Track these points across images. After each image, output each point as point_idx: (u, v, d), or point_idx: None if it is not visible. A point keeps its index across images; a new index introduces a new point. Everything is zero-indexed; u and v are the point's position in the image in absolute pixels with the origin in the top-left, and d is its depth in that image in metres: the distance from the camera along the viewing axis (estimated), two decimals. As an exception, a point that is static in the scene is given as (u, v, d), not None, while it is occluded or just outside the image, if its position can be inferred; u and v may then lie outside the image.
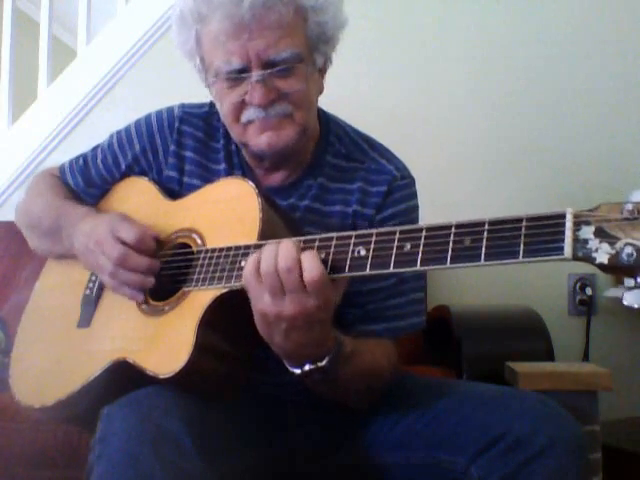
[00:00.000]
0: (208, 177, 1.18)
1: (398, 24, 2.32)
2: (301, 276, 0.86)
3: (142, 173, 1.24)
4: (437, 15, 2.32)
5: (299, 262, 0.87)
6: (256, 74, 1.06)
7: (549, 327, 1.69)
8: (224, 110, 1.13)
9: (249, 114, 1.09)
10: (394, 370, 1.11)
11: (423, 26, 2.32)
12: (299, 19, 1.08)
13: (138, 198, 1.22)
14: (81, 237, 1.14)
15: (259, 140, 1.10)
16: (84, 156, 1.31)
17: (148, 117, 1.25)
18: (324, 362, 0.94)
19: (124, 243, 1.07)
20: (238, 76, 1.07)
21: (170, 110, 1.24)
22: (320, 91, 1.18)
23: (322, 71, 1.17)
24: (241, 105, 1.09)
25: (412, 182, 1.20)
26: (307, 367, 0.94)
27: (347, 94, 2.10)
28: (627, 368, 2.12)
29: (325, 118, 1.22)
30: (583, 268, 2.13)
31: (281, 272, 0.87)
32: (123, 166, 1.25)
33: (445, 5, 2.32)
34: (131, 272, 1.07)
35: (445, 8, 2.32)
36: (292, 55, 1.07)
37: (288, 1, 1.05)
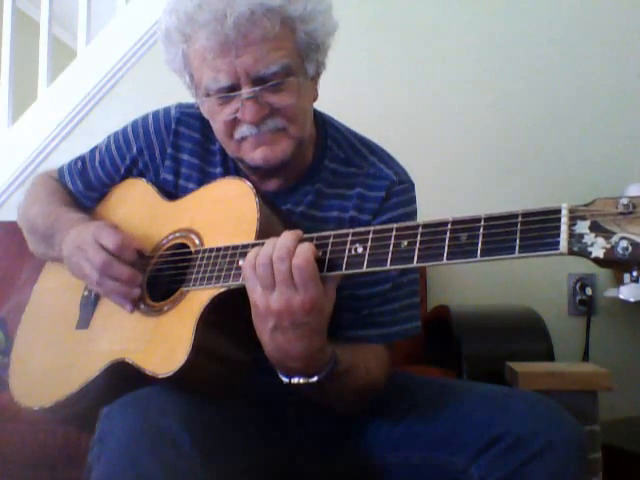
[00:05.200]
0: (204, 180, 1.17)
1: (398, 24, 2.32)
2: (291, 268, 0.87)
3: (140, 175, 1.24)
4: (437, 15, 2.32)
5: (293, 253, 0.87)
6: (246, 91, 1.04)
7: (549, 327, 1.69)
8: (216, 127, 1.12)
9: (242, 131, 1.08)
10: (387, 379, 1.10)
11: (423, 26, 2.33)
12: (286, 30, 1.05)
13: (136, 199, 1.22)
14: (67, 244, 1.13)
15: (254, 155, 1.09)
16: (82, 158, 1.31)
17: (145, 118, 1.24)
18: (314, 379, 0.94)
19: (106, 250, 1.07)
20: (228, 95, 1.06)
21: (167, 110, 1.23)
22: (314, 98, 1.16)
23: (315, 78, 1.15)
24: (233, 122, 1.08)
25: (411, 187, 1.19)
26: (296, 380, 0.94)
27: (347, 94, 2.10)
28: (627, 368, 2.12)
29: (322, 121, 1.21)
30: (583, 268, 2.15)
31: (275, 261, 0.87)
32: (122, 170, 1.25)
33: (446, 5, 2.32)
34: (115, 281, 1.06)
35: (446, 8, 2.32)
36: (282, 68, 1.04)
37: (273, 14, 1.02)
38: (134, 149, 1.23)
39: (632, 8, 2.26)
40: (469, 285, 2.19)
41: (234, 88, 1.05)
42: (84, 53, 2.43)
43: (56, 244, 1.18)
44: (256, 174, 1.16)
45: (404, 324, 1.14)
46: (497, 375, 1.57)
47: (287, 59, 1.05)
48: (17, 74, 2.48)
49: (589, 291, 2.19)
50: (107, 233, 1.09)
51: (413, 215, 1.18)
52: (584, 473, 0.94)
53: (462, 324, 1.74)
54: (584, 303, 2.19)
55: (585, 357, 2.13)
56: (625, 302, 1.97)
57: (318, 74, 1.15)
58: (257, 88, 1.04)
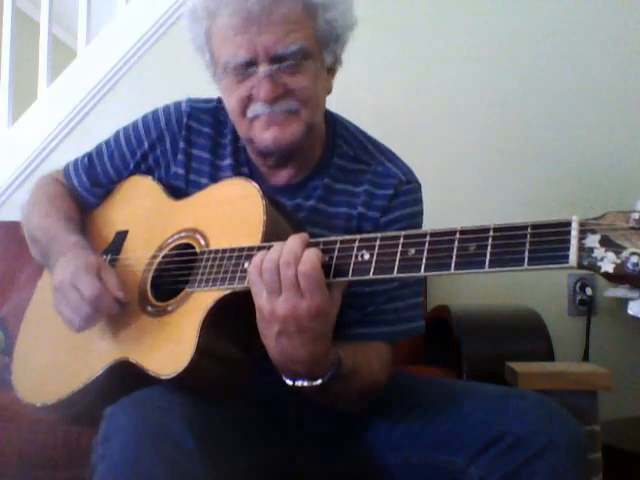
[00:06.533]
0: (215, 175, 1.18)
1: (398, 23, 2.32)
2: (298, 274, 0.86)
3: (149, 170, 1.24)
4: (439, 14, 2.32)
5: (299, 258, 0.87)
6: (263, 69, 1.06)
7: (549, 327, 1.69)
8: (231, 104, 1.13)
9: (255, 109, 1.10)
10: (390, 378, 1.10)
11: (424, 26, 2.33)
12: (308, 15, 1.08)
13: (142, 198, 1.22)
14: (55, 275, 1.09)
15: (264, 135, 1.10)
16: (89, 155, 1.30)
17: (155, 113, 1.24)
18: (317, 382, 0.94)
19: (83, 295, 1.02)
20: (246, 71, 1.08)
21: (177, 105, 1.24)
22: (328, 91, 1.18)
23: (331, 71, 1.17)
24: (247, 100, 1.10)
25: (418, 187, 1.20)
26: (300, 383, 0.94)
27: (346, 94, 2.10)
28: (627, 368, 2.12)
29: (332, 119, 1.22)
30: (583, 268, 2.14)
31: (281, 267, 0.87)
32: (131, 165, 1.25)
33: (446, 4, 2.32)
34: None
35: (446, 8, 2.32)
36: (300, 49, 1.07)
37: None
38: (145, 144, 1.23)
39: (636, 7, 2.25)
40: (469, 285, 2.19)
41: (252, 64, 1.07)
42: (84, 53, 2.42)
43: (50, 266, 1.15)
44: (266, 164, 1.16)
45: (409, 323, 1.14)
46: (497, 375, 1.57)
47: (306, 43, 1.07)
48: (17, 74, 2.48)
49: (589, 291, 2.19)
50: (85, 281, 1.02)
51: (419, 215, 1.20)
52: (584, 473, 0.94)
53: (462, 324, 1.74)
54: (584, 303, 2.19)
55: (585, 357, 2.13)
56: (630, 313, 1.96)
57: (334, 68, 1.18)
58: (274, 67, 1.06)
